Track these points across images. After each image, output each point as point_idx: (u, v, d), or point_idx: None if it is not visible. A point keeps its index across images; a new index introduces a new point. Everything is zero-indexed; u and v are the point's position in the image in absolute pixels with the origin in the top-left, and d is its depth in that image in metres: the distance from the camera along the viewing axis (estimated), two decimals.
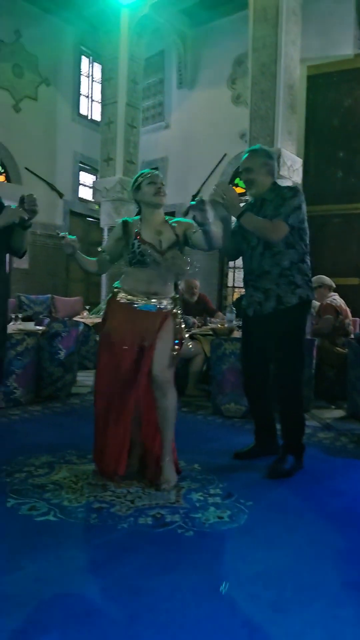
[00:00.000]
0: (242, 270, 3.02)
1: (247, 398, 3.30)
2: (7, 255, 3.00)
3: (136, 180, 2.76)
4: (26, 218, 2.65)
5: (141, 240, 2.63)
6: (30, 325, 5.11)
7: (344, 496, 2.61)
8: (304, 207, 2.90)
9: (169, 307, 2.70)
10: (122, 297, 2.68)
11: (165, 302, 2.69)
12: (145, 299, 2.66)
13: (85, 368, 6.42)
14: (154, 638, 1.45)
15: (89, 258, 2.86)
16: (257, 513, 2.33)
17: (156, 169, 10.28)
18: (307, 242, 2.97)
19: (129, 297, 2.67)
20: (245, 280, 3.10)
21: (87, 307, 7.73)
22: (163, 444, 2.68)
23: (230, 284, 9.41)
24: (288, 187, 2.97)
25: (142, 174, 2.76)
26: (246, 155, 2.99)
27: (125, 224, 2.73)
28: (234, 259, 3.40)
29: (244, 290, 3.16)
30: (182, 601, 1.63)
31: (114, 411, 2.66)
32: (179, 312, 2.77)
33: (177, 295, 2.82)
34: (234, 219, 2.93)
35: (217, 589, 1.71)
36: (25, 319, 5.36)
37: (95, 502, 2.40)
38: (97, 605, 1.60)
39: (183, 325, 2.77)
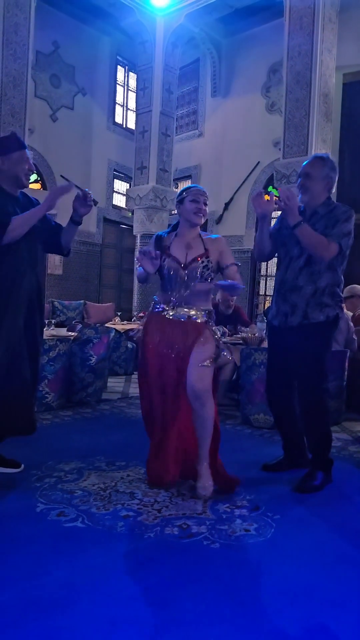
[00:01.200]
0: (274, 278, 2.98)
1: (271, 411, 3.25)
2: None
3: (181, 193, 2.81)
4: (79, 215, 2.81)
5: (167, 254, 2.74)
6: (63, 331, 5.20)
7: None
8: (353, 233, 2.81)
9: (201, 318, 2.73)
10: (158, 307, 2.79)
11: (195, 313, 2.72)
12: (173, 309, 2.73)
13: (115, 374, 6.49)
14: None
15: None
16: (284, 527, 2.31)
17: (189, 177, 10.37)
18: (344, 267, 2.91)
19: (162, 306, 2.76)
20: (276, 288, 3.04)
21: (119, 314, 7.81)
22: (200, 452, 2.70)
23: (262, 292, 9.36)
24: (344, 207, 2.83)
25: (188, 188, 2.80)
26: (310, 160, 2.89)
27: (158, 239, 2.81)
28: (264, 260, 3.30)
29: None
30: (206, 614, 1.63)
31: (159, 418, 2.74)
32: (212, 324, 2.79)
33: (211, 308, 2.83)
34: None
35: (242, 603, 1.70)
36: (58, 325, 5.45)
37: (123, 509, 2.42)
38: (122, 614, 1.61)
39: (219, 335, 2.79)
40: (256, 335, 5.10)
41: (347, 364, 4.49)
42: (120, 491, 2.65)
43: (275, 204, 2.78)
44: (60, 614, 1.59)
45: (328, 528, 2.34)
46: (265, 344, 4.90)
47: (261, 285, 9.38)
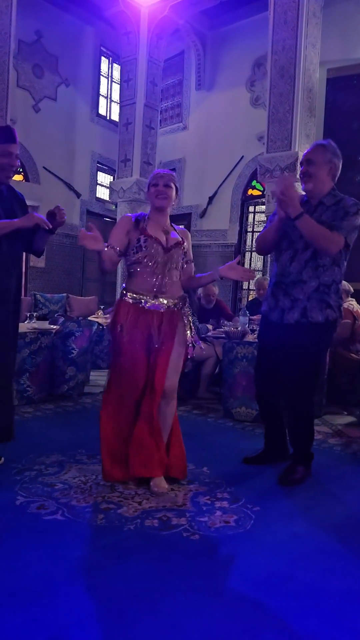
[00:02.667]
0: (257, 272, 2.91)
1: (258, 403, 3.24)
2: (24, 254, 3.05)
3: (150, 180, 2.74)
4: (47, 228, 2.72)
5: (147, 235, 2.62)
6: (45, 324, 5.16)
7: (351, 504, 2.60)
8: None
9: (177, 306, 2.69)
10: (129, 297, 2.65)
11: (172, 302, 2.67)
12: (153, 298, 2.64)
13: (98, 367, 6.46)
14: None
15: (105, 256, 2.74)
16: (263, 519, 2.34)
17: (173, 169, 10.32)
18: (345, 265, 2.83)
19: (136, 296, 2.64)
20: (275, 281, 2.89)
21: (102, 307, 7.77)
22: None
23: (245, 286, 9.38)
24: (352, 200, 2.72)
25: (154, 173, 2.73)
26: (311, 147, 2.80)
27: (135, 221, 2.68)
28: (266, 253, 3.15)
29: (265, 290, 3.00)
30: (184, 605, 1.64)
31: (130, 409, 2.65)
32: (188, 311, 2.75)
33: (184, 294, 2.78)
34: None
35: (220, 593, 1.72)
36: (40, 318, 5.40)
37: (104, 502, 2.43)
38: (100, 606, 1.62)
39: (191, 327, 2.74)
40: (239, 329, 5.12)
41: (328, 359, 4.53)
42: (101, 484, 2.66)
43: (272, 195, 2.66)
44: (38, 607, 1.59)
45: (306, 520, 2.37)
46: (248, 338, 4.93)
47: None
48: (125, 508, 2.37)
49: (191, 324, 2.74)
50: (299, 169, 6.45)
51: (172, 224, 2.79)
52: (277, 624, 1.58)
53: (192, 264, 2.83)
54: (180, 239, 2.72)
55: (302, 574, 1.88)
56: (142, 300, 2.63)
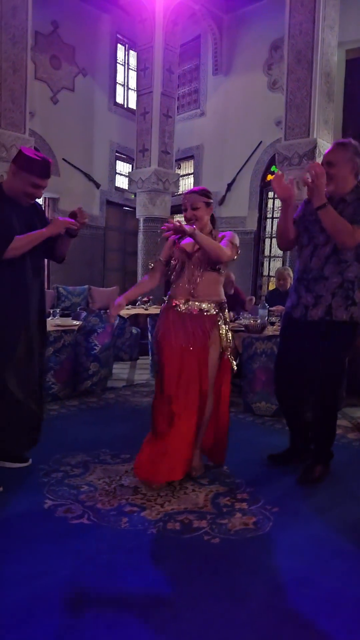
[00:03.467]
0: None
1: (280, 404, 3.26)
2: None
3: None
4: (74, 229, 2.80)
5: (178, 247, 2.84)
6: (68, 321, 5.27)
7: None
8: None
9: (213, 311, 2.79)
10: (168, 301, 2.86)
11: (206, 305, 2.77)
12: (187, 302, 2.77)
13: (120, 360, 6.58)
14: None
15: (136, 289, 3.03)
16: (282, 520, 2.41)
17: (192, 157, 10.29)
18: None
19: (174, 300, 2.81)
20: (297, 277, 2.90)
21: None
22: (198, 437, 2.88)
23: (265, 273, 9.37)
24: None
25: (184, 194, 2.90)
26: (331, 147, 2.78)
27: (172, 241, 2.91)
28: (288, 248, 3.14)
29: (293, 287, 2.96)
30: (204, 611, 1.73)
31: (169, 411, 2.73)
32: (225, 317, 2.86)
33: (223, 300, 2.87)
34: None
35: (239, 599, 1.80)
36: (63, 311, 5.52)
37: (127, 505, 2.52)
38: (125, 613, 1.72)
39: (229, 335, 2.86)
40: (258, 322, 5.15)
41: None
42: (124, 485, 2.76)
43: (305, 180, 2.59)
44: (65, 613, 1.70)
45: (324, 521, 2.43)
46: (267, 331, 4.96)
47: (264, 266, 9.38)
48: (148, 511, 2.46)
49: (228, 334, 2.84)
50: (317, 156, 6.42)
51: (214, 230, 2.90)
52: (294, 630, 1.65)
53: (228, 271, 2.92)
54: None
55: (321, 578, 1.95)
56: (178, 304, 2.80)
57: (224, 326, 2.84)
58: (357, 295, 2.74)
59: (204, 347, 2.75)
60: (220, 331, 2.81)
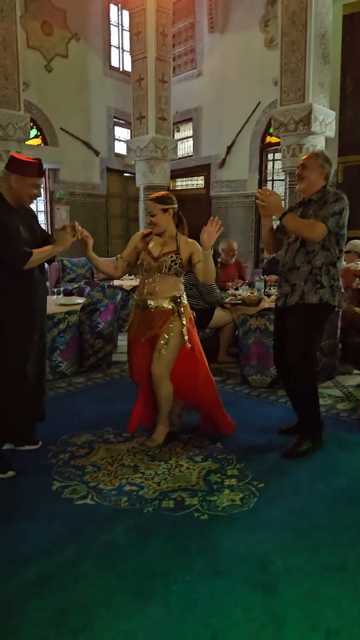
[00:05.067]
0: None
1: (282, 384, 3.59)
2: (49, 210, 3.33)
3: None
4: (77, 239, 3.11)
5: (146, 250, 3.19)
6: (71, 299, 5.46)
7: (350, 476, 2.89)
8: (346, 212, 3.02)
9: (168, 306, 3.17)
10: (136, 299, 3.29)
11: (164, 303, 3.16)
12: (148, 300, 3.17)
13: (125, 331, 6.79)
14: (166, 617, 1.83)
15: (101, 259, 3.29)
16: (266, 495, 2.66)
17: (190, 119, 10.18)
18: (343, 247, 3.11)
19: (138, 299, 3.24)
20: (280, 271, 3.31)
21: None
22: (160, 411, 3.33)
23: None
24: (334, 191, 3.09)
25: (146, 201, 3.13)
26: (309, 154, 3.22)
27: (143, 235, 3.20)
28: (274, 251, 3.58)
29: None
30: (190, 583, 2.00)
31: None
32: (181, 310, 3.20)
33: (179, 294, 3.21)
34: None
35: (221, 571, 2.07)
36: (67, 293, 5.71)
37: (127, 484, 2.79)
38: (122, 586, 1.99)
39: (184, 329, 3.20)
40: (255, 295, 5.32)
41: (339, 322, 4.71)
42: (125, 465, 3.02)
43: (258, 203, 3.10)
44: (71, 590, 1.97)
45: (306, 495, 2.68)
46: (264, 303, 5.15)
47: None
48: (146, 489, 2.73)
49: (183, 327, 3.20)
50: (312, 122, 6.40)
51: (178, 235, 3.21)
52: (264, 598, 1.92)
53: (200, 263, 3.17)
54: (175, 249, 3.15)
55: (292, 549, 2.21)
56: (139, 302, 3.22)
57: (179, 319, 3.19)
58: (324, 279, 3.07)
59: (154, 340, 3.17)
60: (178, 322, 3.18)
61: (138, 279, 3.36)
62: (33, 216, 3.10)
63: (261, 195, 3.06)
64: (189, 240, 3.23)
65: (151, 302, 3.16)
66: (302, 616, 1.83)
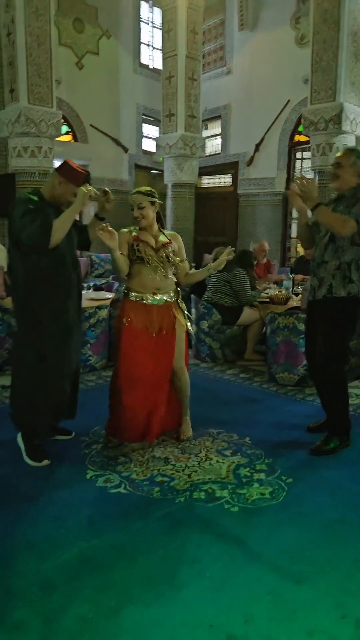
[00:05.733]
0: None
1: (313, 380, 3.61)
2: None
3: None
4: (104, 211, 3.12)
5: (139, 240, 3.13)
6: (101, 294, 5.57)
7: None
8: None
9: (172, 299, 3.22)
10: (133, 296, 3.16)
11: (167, 296, 3.19)
12: (152, 295, 3.14)
13: None
14: (199, 601, 1.91)
15: (124, 261, 3.18)
16: (295, 490, 2.72)
17: (219, 117, 10.21)
18: None
19: (139, 294, 3.15)
20: (310, 267, 3.35)
21: None
22: (183, 408, 3.42)
23: (293, 235, 9.42)
24: None
25: (132, 195, 3.17)
26: (342, 152, 3.23)
27: (129, 231, 3.16)
28: (309, 247, 3.58)
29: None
30: (222, 570, 2.08)
31: (139, 388, 3.15)
32: (181, 301, 3.29)
33: (176, 287, 3.28)
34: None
35: (252, 560, 2.14)
36: (96, 289, 5.83)
37: (159, 475, 2.88)
38: (156, 571, 2.08)
39: (189, 317, 3.35)
40: (283, 293, 5.37)
41: None
42: (156, 457, 3.11)
43: (297, 192, 3.09)
44: (108, 571, 2.07)
45: (334, 491, 2.73)
46: (292, 302, 5.19)
47: (292, 228, 9.42)
48: (177, 481, 2.81)
49: (186, 313, 3.31)
50: (343, 121, 6.40)
51: (161, 230, 3.24)
52: (294, 587, 1.98)
53: (186, 262, 3.31)
54: (168, 240, 3.18)
55: (322, 542, 2.27)
56: (143, 298, 3.14)
57: (180, 309, 3.27)
58: (353, 274, 3.11)
59: (170, 333, 3.19)
60: (180, 313, 3.27)
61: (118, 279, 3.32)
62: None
63: (299, 183, 3.06)
64: (175, 234, 3.31)
65: (158, 297, 3.15)
66: (331, 605, 1.90)
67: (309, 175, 8.60)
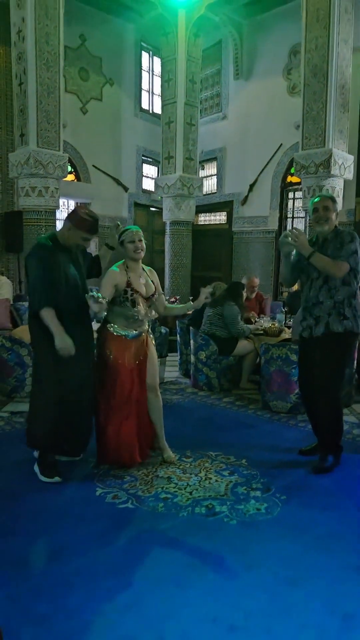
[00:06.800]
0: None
1: (304, 406, 3.85)
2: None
3: (120, 236, 3.45)
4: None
5: (133, 289, 3.35)
6: None
7: None
8: (359, 251, 3.37)
9: (146, 328, 3.54)
10: (114, 330, 3.40)
11: (143, 328, 3.50)
12: (133, 330, 3.43)
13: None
14: (200, 604, 2.14)
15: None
16: (289, 507, 2.96)
17: (215, 159, 10.72)
18: (359, 280, 3.46)
19: (121, 331, 3.40)
20: (303, 306, 3.62)
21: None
22: (159, 432, 3.63)
23: None
24: (347, 231, 3.45)
25: (124, 231, 3.43)
26: (324, 197, 3.53)
27: (116, 274, 3.34)
28: (290, 286, 4.00)
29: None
30: (223, 576, 2.31)
31: (123, 413, 3.41)
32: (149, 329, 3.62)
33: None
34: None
35: (250, 566, 2.37)
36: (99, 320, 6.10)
37: (163, 492, 3.11)
38: (165, 574, 2.30)
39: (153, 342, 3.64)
40: (276, 325, 5.67)
41: (356, 353, 5.01)
42: (159, 476, 3.35)
43: (289, 243, 3.40)
44: (120, 575, 2.29)
45: (324, 508, 2.97)
46: (285, 334, 5.49)
47: None
48: (180, 497, 3.05)
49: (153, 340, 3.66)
50: (332, 165, 6.83)
51: (142, 266, 3.53)
52: (288, 589, 2.21)
53: (162, 295, 3.66)
54: (152, 282, 3.52)
55: (313, 552, 2.50)
56: (126, 334, 3.41)
57: (150, 333, 3.61)
58: (347, 311, 3.42)
59: (144, 360, 3.50)
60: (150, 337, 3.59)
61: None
62: (82, 251, 3.50)
63: (293, 234, 3.37)
64: (151, 269, 3.62)
65: (137, 332, 3.43)
66: (322, 604, 2.13)
67: (301, 213, 9.06)
